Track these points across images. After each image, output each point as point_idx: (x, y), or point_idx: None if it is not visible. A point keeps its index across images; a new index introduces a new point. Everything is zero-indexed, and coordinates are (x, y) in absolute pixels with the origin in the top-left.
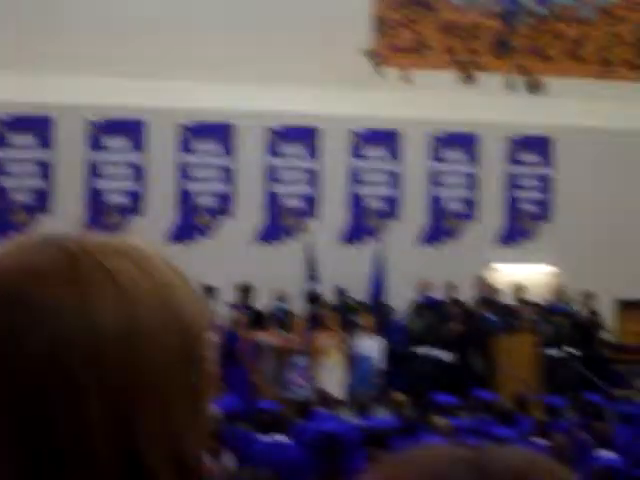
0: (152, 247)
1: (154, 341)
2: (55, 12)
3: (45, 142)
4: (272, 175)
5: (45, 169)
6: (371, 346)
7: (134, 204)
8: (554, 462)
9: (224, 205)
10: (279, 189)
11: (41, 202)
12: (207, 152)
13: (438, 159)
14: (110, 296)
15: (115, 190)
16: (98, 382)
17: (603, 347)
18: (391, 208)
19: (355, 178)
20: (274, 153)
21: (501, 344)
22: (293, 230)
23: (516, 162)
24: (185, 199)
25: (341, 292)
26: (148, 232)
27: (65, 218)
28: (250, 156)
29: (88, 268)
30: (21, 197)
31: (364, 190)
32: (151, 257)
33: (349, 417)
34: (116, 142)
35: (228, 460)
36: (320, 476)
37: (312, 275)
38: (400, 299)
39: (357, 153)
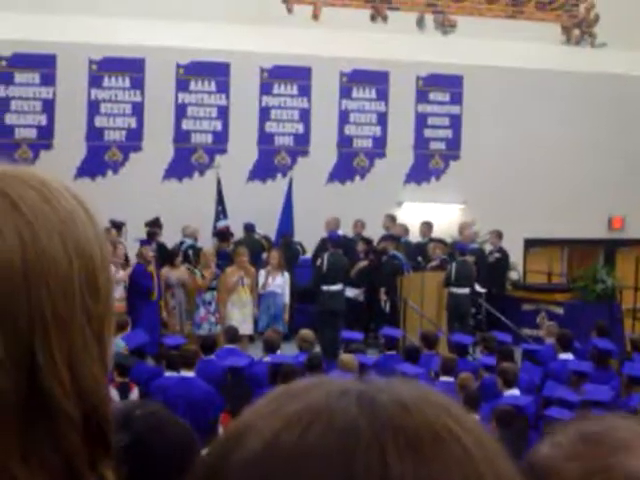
0: (58, 179)
1: (56, 269)
2: None
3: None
4: (182, 111)
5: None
6: (279, 283)
7: (44, 138)
8: (445, 397)
9: (134, 141)
10: (189, 125)
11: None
12: (118, 87)
13: (349, 97)
14: (11, 222)
15: (24, 124)
16: (3, 314)
17: (511, 286)
18: (301, 145)
19: (266, 115)
20: (185, 89)
21: (409, 282)
22: (203, 166)
23: (426, 101)
24: (95, 134)
25: (250, 229)
26: (57, 166)
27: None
28: (161, 91)
29: None
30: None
31: (274, 127)
32: (56, 188)
33: (257, 354)
34: (27, 76)
35: (134, 396)
36: (226, 412)
37: (221, 211)
38: (309, 236)
39: (267, 90)
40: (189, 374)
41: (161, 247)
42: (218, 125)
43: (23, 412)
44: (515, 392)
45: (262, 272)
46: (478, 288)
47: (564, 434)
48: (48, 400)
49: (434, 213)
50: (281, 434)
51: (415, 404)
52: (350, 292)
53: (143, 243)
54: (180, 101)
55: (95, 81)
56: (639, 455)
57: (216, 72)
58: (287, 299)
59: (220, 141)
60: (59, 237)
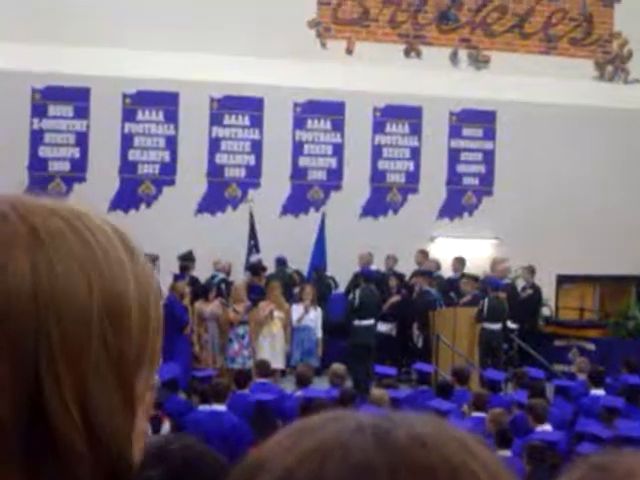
0: (99, 213)
1: (70, 301)
2: None
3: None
4: (216, 145)
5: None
6: (312, 317)
7: (77, 171)
8: (462, 432)
9: (167, 174)
10: (222, 159)
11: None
12: (152, 121)
13: (382, 132)
14: (27, 250)
15: (57, 157)
16: (7, 340)
17: (543, 322)
18: (334, 180)
19: (299, 149)
20: (218, 123)
21: (441, 317)
22: (236, 201)
23: (459, 136)
24: (128, 168)
25: (281, 263)
26: (91, 200)
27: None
28: (194, 125)
29: (12, 224)
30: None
31: (307, 162)
32: (93, 222)
33: (289, 388)
34: (60, 109)
35: (165, 429)
36: (255, 445)
37: (254, 245)
38: (341, 271)
39: (301, 124)
40: (220, 408)
41: (194, 281)
42: (251, 159)
43: (27, 445)
44: (546, 427)
45: (295, 307)
46: (510, 324)
47: (578, 468)
48: (55, 434)
49: (467, 248)
50: (295, 470)
51: (432, 440)
52: (382, 327)
53: (176, 277)
54: (214, 135)
55: (129, 114)
56: None
57: (250, 106)
58: (320, 333)
59: (253, 175)
60: (80, 269)
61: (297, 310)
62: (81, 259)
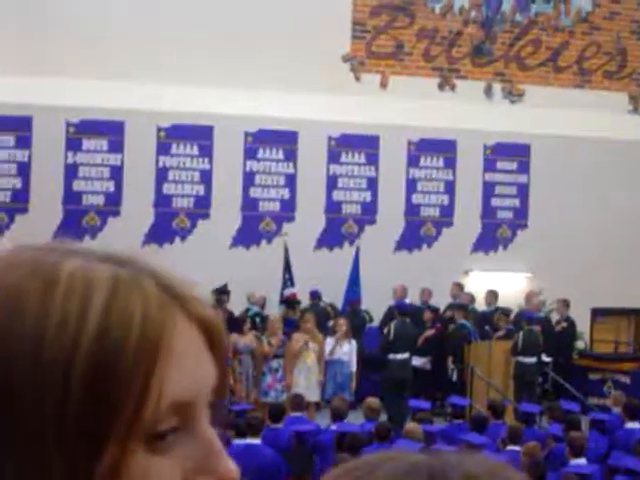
0: (100, 277)
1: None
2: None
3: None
4: (250, 179)
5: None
6: (346, 351)
7: (112, 205)
8: (516, 470)
9: (202, 208)
10: (257, 193)
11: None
12: (187, 155)
13: (416, 165)
14: None
15: (92, 191)
16: None
17: (577, 355)
18: (368, 214)
19: (333, 183)
20: (252, 157)
21: (476, 351)
22: (270, 234)
23: (494, 169)
24: (163, 201)
25: (315, 296)
26: (125, 233)
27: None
28: (228, 159)
29: None
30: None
31: (341, 195)
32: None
33: (324, 422)
34: (94, 143)
35: None
36: (290, 478)
37: (288, 279)
38: (376, 304)
39: (335, 158)
40: (255, 441)
41: (228, 314)
42: (286, 193)
43: None
44: (582, 461)
45: (329, 339)
46: (544, 357)
47: None
48: None
49: (501, 282)
50: None
51: (486, 479)
52: (416, 361)
53: None
54: (248, 169)
55: (163, 148)
56: None
57: (284, 140)
58: (354, 367)
59: (288, 209)
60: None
61: (330, 343)
62: (29, 325)
